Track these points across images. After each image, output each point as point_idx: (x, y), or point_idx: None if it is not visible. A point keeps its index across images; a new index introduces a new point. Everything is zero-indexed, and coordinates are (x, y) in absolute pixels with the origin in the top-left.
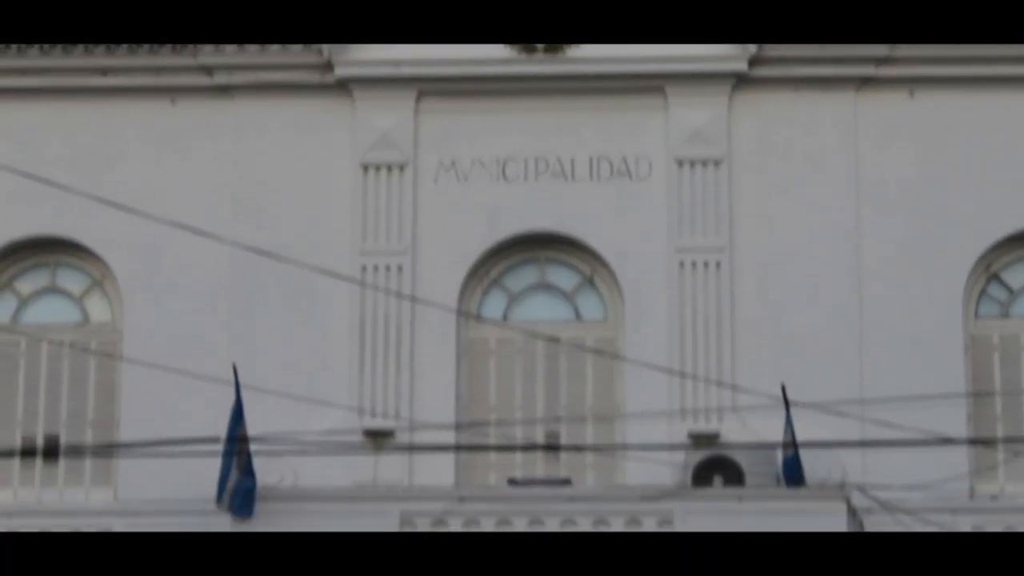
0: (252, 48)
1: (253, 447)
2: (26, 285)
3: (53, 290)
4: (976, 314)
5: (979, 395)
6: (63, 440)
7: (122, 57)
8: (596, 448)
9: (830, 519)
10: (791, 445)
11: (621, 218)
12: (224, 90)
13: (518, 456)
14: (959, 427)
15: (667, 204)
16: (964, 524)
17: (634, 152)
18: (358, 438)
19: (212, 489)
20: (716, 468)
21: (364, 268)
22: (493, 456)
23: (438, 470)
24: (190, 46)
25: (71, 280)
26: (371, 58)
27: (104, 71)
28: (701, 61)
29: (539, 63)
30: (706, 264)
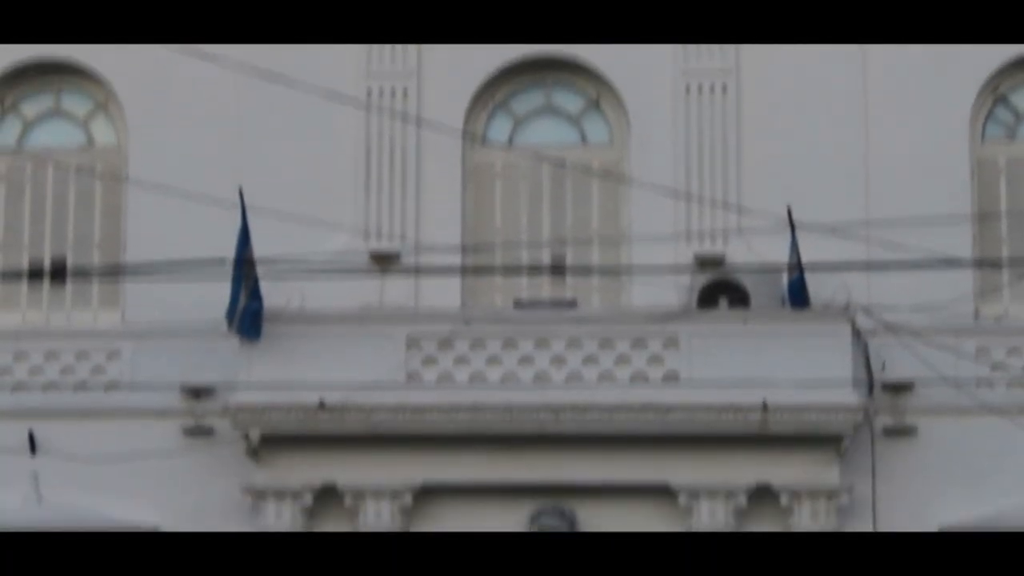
0: None
1: (260, 269)
2: (30, 108)
3: (58, 113)
4: (983, 136)
5: (984, 217)
6: (70, 262)
7: None
8: (602, 270)
9: (835, 340)
10: (796, 267)
11: None
12: None
13: (524, 278)
14: (964, 249)
15: None
16: (968, 345)
17: None
18: (364, 261)
19: (218, 311)
20: (721, 290)
21: (370, 91)
22: (499, 278)
23: (444, 292)
24: None
25: (75, 103)
26: None
27: None
28: None
29: None
30: (712, 87)
